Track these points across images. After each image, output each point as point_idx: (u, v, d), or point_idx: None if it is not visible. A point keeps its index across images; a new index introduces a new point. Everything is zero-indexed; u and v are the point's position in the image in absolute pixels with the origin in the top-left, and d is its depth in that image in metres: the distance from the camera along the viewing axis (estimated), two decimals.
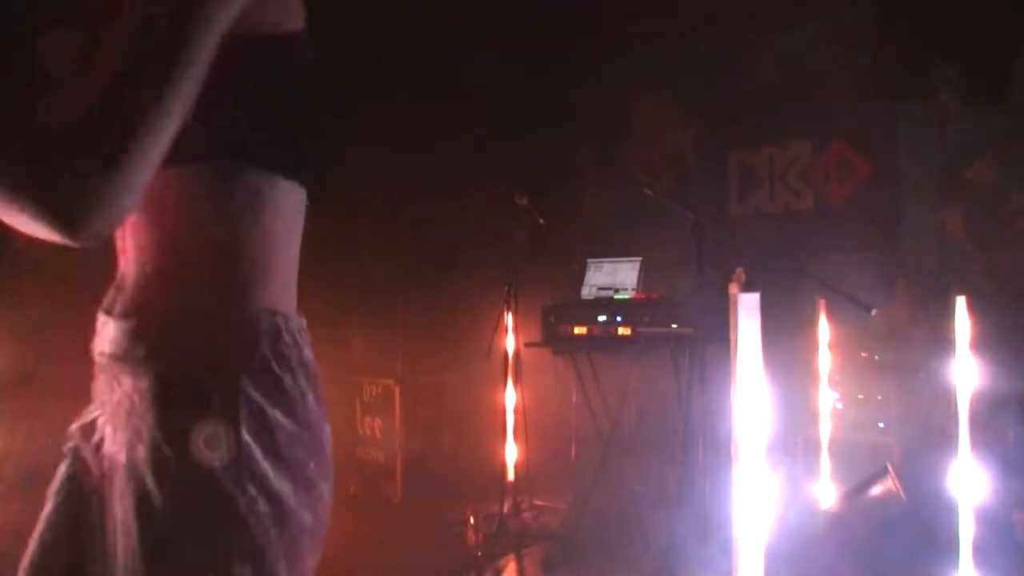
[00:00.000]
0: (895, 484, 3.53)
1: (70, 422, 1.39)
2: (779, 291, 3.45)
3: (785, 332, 3.94)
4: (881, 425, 4.75)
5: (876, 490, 3.67)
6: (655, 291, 4.62)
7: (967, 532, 3.38)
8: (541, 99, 7.31)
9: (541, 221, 5.01)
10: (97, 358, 1.33)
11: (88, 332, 1.35)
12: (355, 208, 5.84)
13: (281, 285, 1.32)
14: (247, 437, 1.21)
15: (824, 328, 4.37)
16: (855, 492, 3.83)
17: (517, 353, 5.06)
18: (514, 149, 6.69)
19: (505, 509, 4.98)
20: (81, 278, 1.96)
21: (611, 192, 7.50)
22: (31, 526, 1.33)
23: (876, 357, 4.88)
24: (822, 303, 4.32)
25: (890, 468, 3.72)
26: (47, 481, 1.35)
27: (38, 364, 3.66)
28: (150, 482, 1.17)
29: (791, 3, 6.68)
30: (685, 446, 4.19)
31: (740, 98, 7.23)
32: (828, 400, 4.57)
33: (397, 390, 5.70)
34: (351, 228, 5.76)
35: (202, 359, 1.22)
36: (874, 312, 3.58)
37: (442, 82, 6.28)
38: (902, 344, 4.76)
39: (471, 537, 4.54)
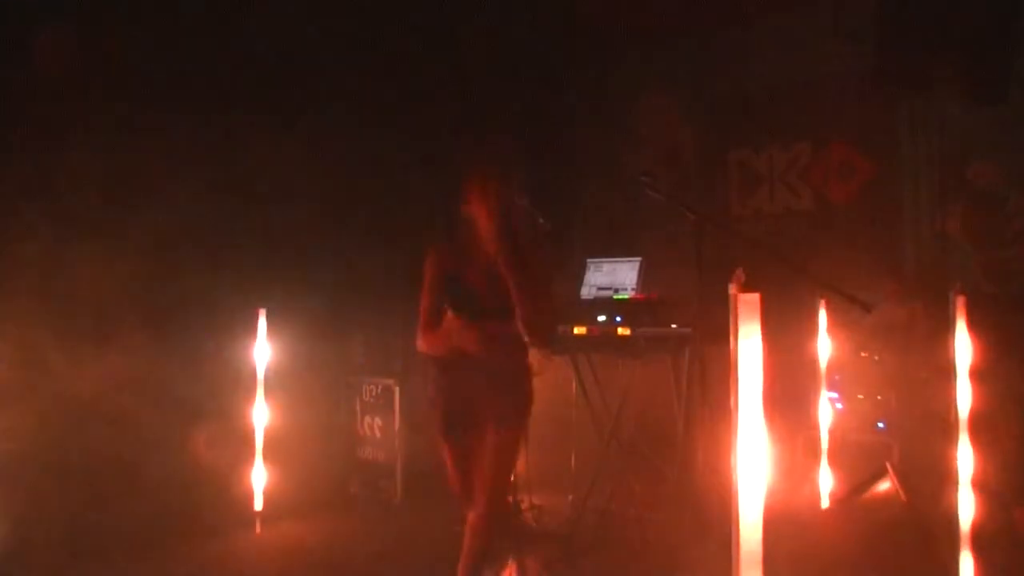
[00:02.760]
0: (895, 484, 3.53)
1: None
2: (779, 291, 3.44)
3: (785, 332, 3.93)
4: (881, 425, 4.73)
5: (876, 490, 3.67)
6: (655, 291, 4.61)
7: (967, 530, 3.38)
8: (541, 99, 7.31)
9: (541, 220, 4.99)
10: None
11: None
12: (352, 208, 5.84)
13: None
14: None
15: (824, 328, 4.37)
16: (855, 492, 3.83)
17: None
18: (514, 149, 6.68)
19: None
20: None
21: (611, 192, 7.48)
22: None
23: (876, 357, 4.87)
24: (822, 303, 4.32)
25: (890, 468, 3.72)
26: None
27: None
28: None
29: (791, 2, 6.67)
30: (685, 446, 4.19)
31: (740, 98, 7.23)
32: (828, 400, 4.56)
33: (397, 390, 5.70)
34: (349, 229, 5.77)
35: None
36: (872, 311, 3.56)
37: (441, 83, 6.28)
38: (902, 344, 4.75)
39: None
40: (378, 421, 5.82)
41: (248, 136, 5.16)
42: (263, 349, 5.06)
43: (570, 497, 5.25)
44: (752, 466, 3.04)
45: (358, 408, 5.94)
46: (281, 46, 5.36)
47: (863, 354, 4.87)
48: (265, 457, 5.10)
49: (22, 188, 4.37)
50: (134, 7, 4.81)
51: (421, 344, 3.44)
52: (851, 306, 3.50)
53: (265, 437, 5.11)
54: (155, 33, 4.91)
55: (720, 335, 3.42)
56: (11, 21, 4.39)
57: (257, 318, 5.04)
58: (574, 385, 5.05)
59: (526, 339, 3.34)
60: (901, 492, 3.44)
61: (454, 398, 3.43)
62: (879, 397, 4.80)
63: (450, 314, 3.43)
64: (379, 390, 5.82)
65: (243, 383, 5.05)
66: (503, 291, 3.28)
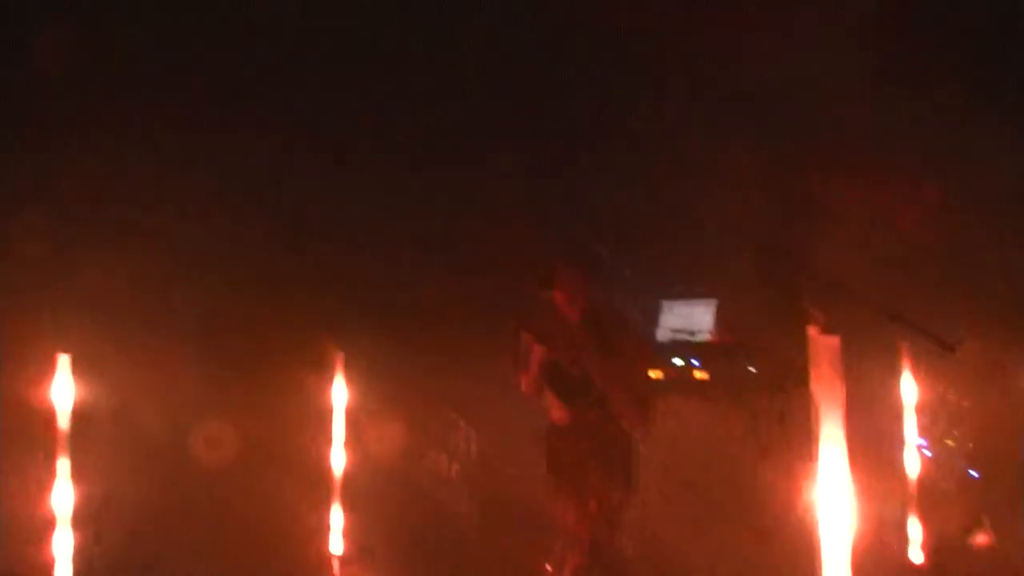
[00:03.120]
0: (990, 535, 3.39)
1: None
2: (858, 332, 3.35)
3: (869, 375, 3.84)
4: (973, 473, 4.55)
5: (971, 542, 3.54)
6: (732, 334, 4.54)
7: None
8: (606, 139, 7.29)
9: (609, 258, 4.95)
10: None
11: None
12: (427, 246, 5.86)
13: None
14: None
15: (908, 371, 4.23)
16: (949, 544, 3.69)
17: None
18: (585, 188, 6.68)
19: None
20: None
21: (686, 231, 7.40)
22: None
23: (964, 401, 4.69)
24: (905, 345, 4.19)
25: (984, 518, 3.58)
26: None
27: None
28: None
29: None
30: (764, 492, 4.10)
31: (807, 130, 7.13)
32: (915, 447, 4.40)
33: (470, 430, 5.69)
34: (422, 266, 5.78)
35: None
36: (956, 351, 3.44)
37: (503, 124, 6.29)
38: (986, 385, 4.57)
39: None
40: (452, 462, 5.80)
41: (328, 172, 5.23)
42: (341, 391, 5.05)
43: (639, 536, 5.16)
44: (838, 514, 2.95)
45: (428, 444, 5.93)
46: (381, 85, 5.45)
47: (950, 397, 4.70)
48: (344, 498, 5.10)
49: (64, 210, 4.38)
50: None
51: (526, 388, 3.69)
52: (935, 347, 3.39)
53: (340, 478, 5.11)
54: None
55: (800, 378, 3.36)
56: (11, 21, 4.35)
57: (334, 358, 5.03)
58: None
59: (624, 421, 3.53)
60: (997, 545, 3.30)
61: (569, 461, 3.61)
62: (970, 444, 4.62)
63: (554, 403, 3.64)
64: (449, 426, 5.81)
65: (317, 422, 5.05)
66: (594, 371, 3.50)
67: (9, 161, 4.12)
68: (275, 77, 5.06)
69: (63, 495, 3.40)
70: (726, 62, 7.01)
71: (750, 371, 4.22)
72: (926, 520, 4.24)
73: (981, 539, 3.49)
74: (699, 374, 4.35)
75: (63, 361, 3.26)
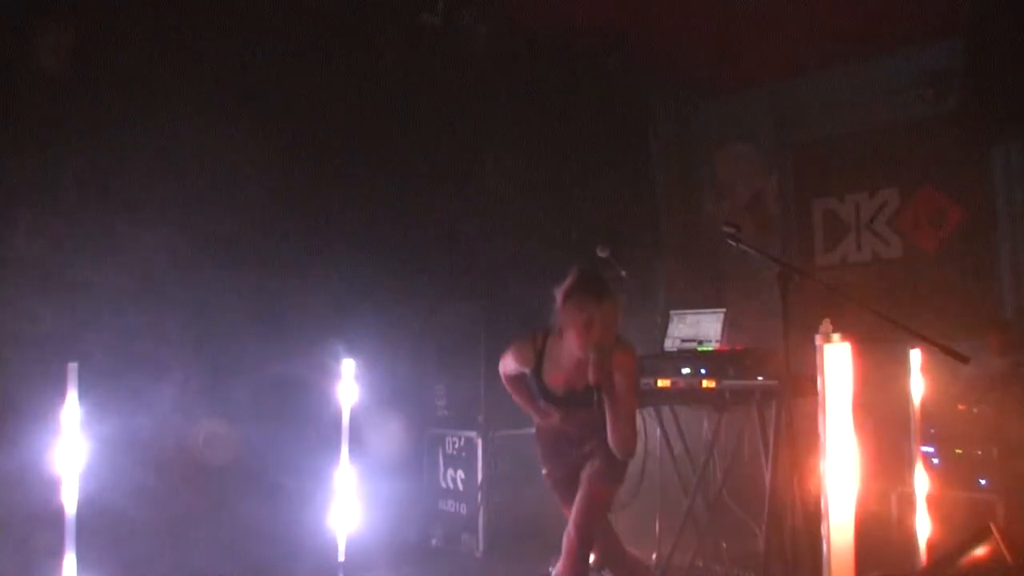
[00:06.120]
0: (1000, 545, 3.35)
1: None
2: (869, 342, 3.35)
3: (876, 384, 3.81)
4: (983, 482, 4.51)
5: (979, 551, 3.50)
6: (740, 343, 4.52)
7: None
8: (622, 152, 7.33)
9: (623, 273, 4.97)
10: None
11: None
12: (438, 258, 5.90)
13: None
14: None
15: (917, 380, 4.20)
16: (956, 554, 3.65)
17: None
18: (595, 201, 6.71)
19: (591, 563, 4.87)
20: None
21: (695, 243, 7.42)
22: None
23: (975, 410, 4.66)
24: (915, 354, 4.16)
25: (994, 528, 3.54)
26: None
27: None
28: None
29: (877, 47, 6.57)
30: (772, 502, 4.07)
31: (824, 145, 7.14)
32: (923, 455, 4.37)
33: (479, 443, 5.70)
34: (432, 283, 5.81)
35: None
36: (969, 362, 3.43)
37: (525, 143, 6.34)
38: (1002, 396, 4.55)
39: None
40: (460, 474, 5.81)
41: (339, 183, 5.28)
42: (348, 398, 5.05)
43: (654, 555, 5.14)
44: (843, 523, 2.94)
45: (440, 461, 5.95)
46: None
47: (960, 407, 4.67)
48: (347, 508, 5.10)
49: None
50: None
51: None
52: (946, 357, 3.37)
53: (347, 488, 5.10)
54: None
55: (808, 387, 3.34)
56: (11, 21, 4.27)
57: (341, 366, 5.01)
58: (658, 438, 4.97)
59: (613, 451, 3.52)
60: (1007, 554, 3.26)
61: (560, 467, 3.80)
62: (979, 452, 4.58)
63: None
64: (461, 443, 5.83)
65: (324, 432, 5.05)
66: (582, 389, 3.48)
67: (11, 162, 4.12)
68: (283, 79, 5.11)
69: (70, 504, 3.40)
70: None
71: (758, 380, 4.18)
72: (934, 528, 4.21)
73: (989, 546, 3.45)
74: (707, 383, 4.32)
75: (71, 370, 3.27)
